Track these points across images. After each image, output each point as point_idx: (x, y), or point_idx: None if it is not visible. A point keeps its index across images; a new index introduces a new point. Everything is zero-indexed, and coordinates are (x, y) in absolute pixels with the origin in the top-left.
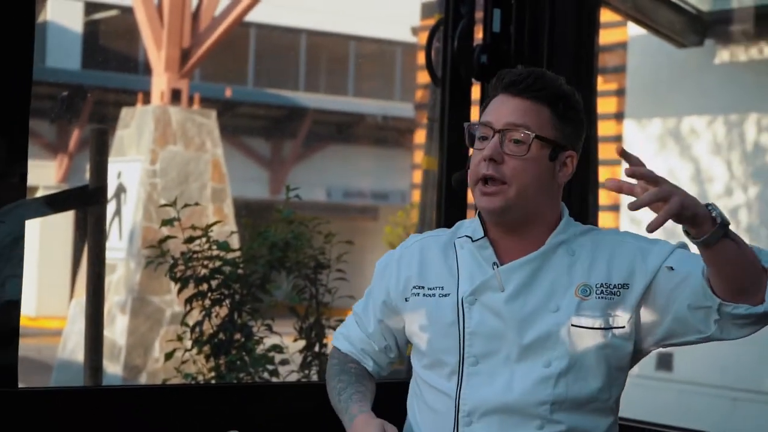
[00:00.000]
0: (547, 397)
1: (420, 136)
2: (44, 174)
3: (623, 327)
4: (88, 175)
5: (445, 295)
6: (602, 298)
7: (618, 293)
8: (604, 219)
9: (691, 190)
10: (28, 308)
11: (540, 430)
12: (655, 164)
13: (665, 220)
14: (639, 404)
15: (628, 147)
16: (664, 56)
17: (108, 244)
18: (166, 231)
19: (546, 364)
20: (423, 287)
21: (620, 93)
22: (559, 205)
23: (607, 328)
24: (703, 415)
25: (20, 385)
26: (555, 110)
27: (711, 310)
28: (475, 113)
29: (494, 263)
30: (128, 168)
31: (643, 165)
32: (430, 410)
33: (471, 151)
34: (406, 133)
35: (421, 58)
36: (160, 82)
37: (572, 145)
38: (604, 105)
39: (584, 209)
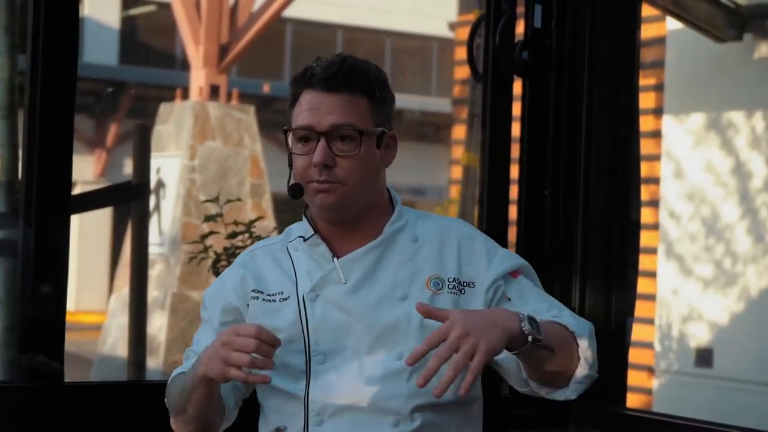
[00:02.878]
0: (399, 391)
1: (458, 132)
2: (83, 169)
3: None
4: (125, 170)
5: (286, 299)
6: (452, 293)
7: (464, 291)
8: (646, 214)
9: (730, 184)
10: (68, 303)
11: (395, 427)
12: (694, 158)
13: (474, 377)
14: (678, 401)
15: (667, 142)
16: (702, 51)
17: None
18: (206, 227)
19: (398, 357)
20: (262, 292)
21: (659, 88)
22: (385, 188)
23: None
24: (743, 411)
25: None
26: (372, 98)
27: (520, 380)
28: (517, 109)
29: (333, 257)
30: (167, 163)
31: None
32: (280, 417)
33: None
34: (444, 128)
35: (458, 53)
36: (198, 78)
37: (390, 126)
38: (643, 100)
39: (627, 205)
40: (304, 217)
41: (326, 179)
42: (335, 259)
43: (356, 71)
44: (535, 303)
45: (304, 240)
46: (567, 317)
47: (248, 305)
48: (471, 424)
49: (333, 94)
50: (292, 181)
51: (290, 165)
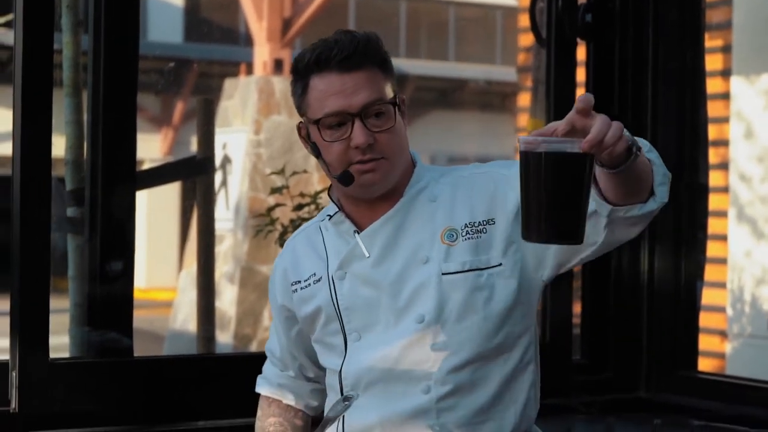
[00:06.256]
0: (425, 355)
1: (523, 100)
2: (150, 147)
3: (499, 265)
4: (193, 147)
5: (318, 280)
6: (469, 239)
7: (484, 230)
8: (716, 177)
9: None
10: (138, 280)
11: (425, 394)
12: (765, 119)
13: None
14: (751, 364)
15: (736, 103)
16: None
17: (215, 215)
18: (273, 200)
19: (419, 320)
20: (299, 281)
21: (726, 49)
22: (409, 153)
23: (480, 269)
24: None
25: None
26: (384, 67)
27: (600, 217)
28: (581, 74)
29: (354, 231)
30: (233, 139)
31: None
32: (332, 394)
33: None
34: (510, 96)
35: (522, 20)
36: (262, 53)
37: (397, 88)
38: (711, 62)
39: (695, 167)
40: (329, 197)
41: (370, 157)
42: (356, 234)
43: (370, 45)
44: None
45: (330, 218)
46: None
47: (292, 298)
48: (515, 387)
49: (354, 72)
50: (332, 170)
51: (317, 155)
